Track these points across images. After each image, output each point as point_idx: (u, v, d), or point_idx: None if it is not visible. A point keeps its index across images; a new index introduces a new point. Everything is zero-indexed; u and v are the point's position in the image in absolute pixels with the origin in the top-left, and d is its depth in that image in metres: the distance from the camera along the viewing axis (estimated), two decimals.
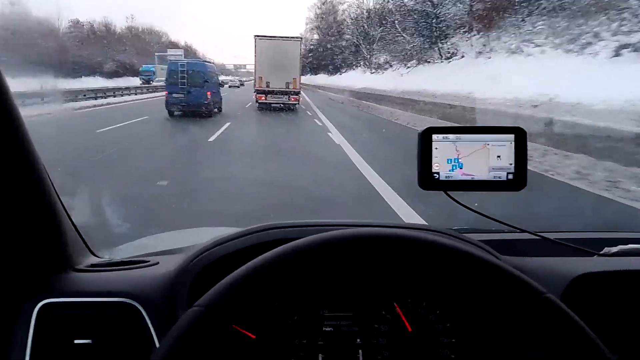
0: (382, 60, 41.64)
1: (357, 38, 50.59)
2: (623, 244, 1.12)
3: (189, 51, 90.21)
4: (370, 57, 45.95)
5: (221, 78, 23.57)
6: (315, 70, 79.23)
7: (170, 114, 16.34)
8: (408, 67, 32.01)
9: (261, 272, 0.68)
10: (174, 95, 16.25)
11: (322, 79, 66.14)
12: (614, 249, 1.11)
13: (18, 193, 0.85)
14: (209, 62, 20.81)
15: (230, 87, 39.60)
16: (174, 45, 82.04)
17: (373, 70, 43.15)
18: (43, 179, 0.90)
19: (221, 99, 19.16)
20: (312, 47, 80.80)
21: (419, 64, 30.40)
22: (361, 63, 49.85)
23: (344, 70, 57.91)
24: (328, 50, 68.33)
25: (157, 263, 1.05)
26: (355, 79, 43.26)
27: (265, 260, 0.69)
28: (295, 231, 0.99)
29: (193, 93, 16.26)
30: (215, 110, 18.18)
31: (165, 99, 16.69)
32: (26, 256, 0.91)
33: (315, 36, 78.60)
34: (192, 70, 16.83)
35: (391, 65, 37.37)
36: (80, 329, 0.91)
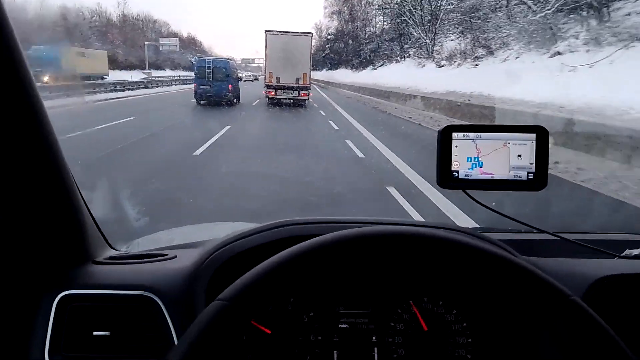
0: (451, 47, 29.13)
1: (408, 18, 36.95)
2: None
3: (192, 43, 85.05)
4: (431, 44, 32.36)
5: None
6: (334, 65, 70.29)
7: (198, 102, 19.91)
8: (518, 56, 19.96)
9: (283, 268, 0.67)
10: (202, 87, 19.70)
11: (343, 75, 56.05)
12: (635, 251, 1.10)
13: (40, 186, 0.86)
14: (230, 60, 23.92)
15: (244, 81, 38.59)
16: (175, 37, 77.93)
17: (443, 62, 28.81)
18: (65, 173, 0.90)
19: (239, 91, 22.33)
20: (329, 37, 72.27)
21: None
22: (411, 53, 37.19)
23: (379, 64, 46.33)
24: (352, 41, 59.20)
25: (175, 257, 1.06)
26: (408, 75, 29.62)
27: (288, 256, 0.69)
28: (315, 228, 0.99)
29: (217, 86, 19.75)
30: (235, 100, 21.41)
31: (194, 90, 20.15)
32: (46, 249, 0.92)
33: (335, 23, 69.25)
34: (217, 66, 20.31)
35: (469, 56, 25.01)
36: (99, 320, 0.92)
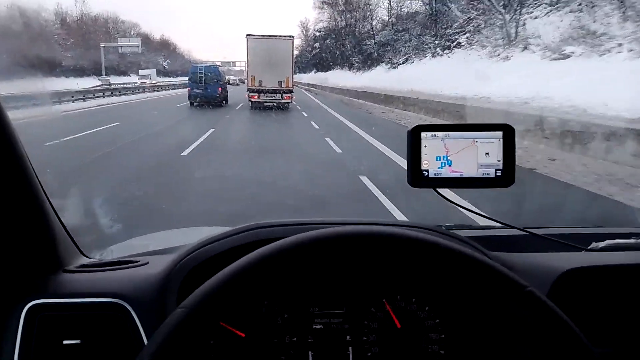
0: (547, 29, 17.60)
1: None
2: (610, 239, 1.13)
3: (164, 46, 77.87)
4: (514, 23, 20.01)
5: None
6: (325, 66, 59.05)
7: (191, 103, 22.83)
8: None
9: (245, 273, 0.68)
10: (195, 90, 22.93)
11: (339, 77, 45.73)
12: (602, 244, 1.13)
13: (6, 194, 0.85)
14: (220, 66, 28.00)
15: (230, 84, 36.96)
16: (147, 40, 69.06)
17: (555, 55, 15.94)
18: (32, 180, 0.90)
19: (227, 93, 25.22)
20: (319, 33, 62.21)
21: None
22: (463, 40, 25.38)
23: (399, 60, 34.16)
24: (349, 36, 49.54)
25: (147, 263, 1.05)
26: (463, 74, 19.35)
27: (248, 261, 0.69)
28: (283, 230, 0.99)
29: (208, 88, 22.92)
30: (223, 102, 24.22)
31: (188, 92, 23.38)
32: (15, 257, 0.91)
33: (326, 16, 58.56)
34: (208, 72, 23.45)
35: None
36: (69, 329, 0.91)
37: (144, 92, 34.09)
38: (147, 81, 44.38)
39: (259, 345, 0.98)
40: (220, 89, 23.37)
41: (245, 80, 24.57)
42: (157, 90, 37.59)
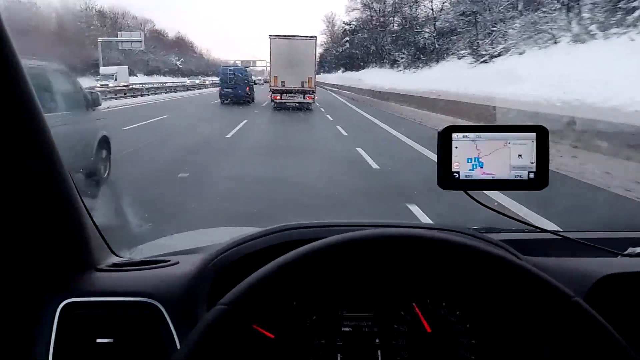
0: None
1: None
2: None
3: (179, 45, 71.44)
4: None
5: None
6: (355, 65, 51.25)
7: (222, 101, 25.49)
8: None
9: (284, 272, 0.68)
10: (225, 89, 25.44)
11: (377, 77, 36.24)
12: (638, 249, 1.09)
13: (41, 194, 0.87)
14: (247, 68, 30.16)
15: (256, 84, 37.80)
16: (160, 37, 65.28)
17: None
18: (65, 180, 0.91)
19: (254, 92, 27.15)
20: (350, 26, 53.92)
21: None
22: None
23: (493, 52, 23.13)
24: (390, 25, 42.04)
25: (177, 263, 1.06)
26: None
27: (288, 260, 0.69)
28: (315, 231, 0.99)
29: (238, 88, 25.31)
30: (250, 100, 26.25)
31: (219, 92, 25.84)
32: (48, 256, 0.92)
33: (359, 4, 51.11)
34: (237, 73, 25.76)
35: None
36: (102, 328, 0.92)
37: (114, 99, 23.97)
38: (111, 83, 31.87)
39: (287, 347, 0.97)
40: (248, 88, 25.79)
41: (268, 80, 24.80)
42: (132, 96, 27.74)
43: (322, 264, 0.70)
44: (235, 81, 25.33)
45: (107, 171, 6.89)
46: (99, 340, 0.91)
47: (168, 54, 64.16)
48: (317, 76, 23.27)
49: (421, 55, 33.71)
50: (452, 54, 29.24)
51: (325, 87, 51.80)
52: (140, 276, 1.01)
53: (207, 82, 51.92)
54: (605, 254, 1.10)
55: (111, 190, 6.19)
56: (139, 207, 4.99)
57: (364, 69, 47.63)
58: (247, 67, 30.94)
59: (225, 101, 25.30)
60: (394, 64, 39.04)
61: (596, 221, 4.81)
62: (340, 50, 60.06)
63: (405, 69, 35.79)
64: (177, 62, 66.15)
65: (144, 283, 0.97)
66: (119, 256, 1.14)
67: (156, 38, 63.63)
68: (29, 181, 0.84)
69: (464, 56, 27.18)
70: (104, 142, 6.90)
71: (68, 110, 6.07)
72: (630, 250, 1.10)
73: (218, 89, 26.35)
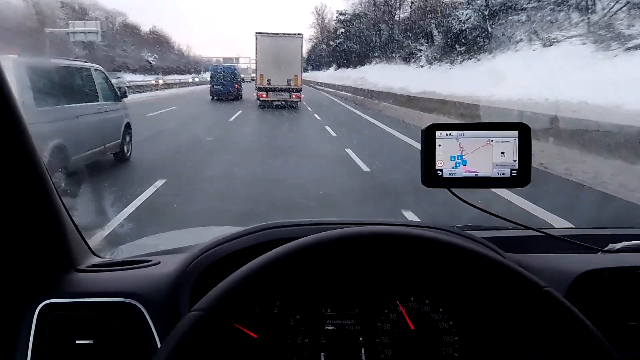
0: None
1: None
2: (627, 240, 1.11)
3: (154, 40, 64.47)
4: None
5: None
6: (349, 62, 44.69)
7: (212, 98, 27.11)
8: None
9: (259, 274, 0.68)
10: (215, 87, 27.28)
11: (390, 75, 29.06)
12: (618, 245, 1.11)
13: (19, 194, 0.85)
14: (235, 66, 32.49)
15: (243, 81, 37.96)
16: (134, 32, 58.95)
17: None
18: (44, 180, 0.90)
19: (242, 89, 28.83)
20: (344, 17, 47.82)
21: None
22: None
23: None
24: (398, 10, 34.19)
25: (159, 263, 1.05)
26: None
27: (262, 262, 0.68)
28: (296, 230, 0.99)
29: (226, 85, 27.23)
30: (239, 97, 28.04)
31: (210, 89, 27.74)
32: (27, 257, 0.91)
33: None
34: (226, 71, 27.95)
35: None
36: (81, 329, 0.91)
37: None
38: None
39: (271, 346, 0.97)
40: (236, 85, 27.84)
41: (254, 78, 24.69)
42: None
43: (299, 264, 0.70)
44: (224, 79, 27.30)
45: (129, 152, 8.58)
46: (78, 342, 0.90)
47: (140, 49, 58.04)
48: (305, 74, 23.28)
49: (456, 45, 24.66)
50: (519, 39, 19.19)
51: (317, 86, 47.69)
52: (121, 276, 1.00)
53: (190, 80, 49.09)
54: (587, 250, 1.11)
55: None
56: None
57: (363, 65, 39.84)
58: (233, 66, 32.68)
59: (215, 98, 27.02)
60: (409, 58, 30.62)
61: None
62: (334, 45, 52.05)
63: (429, 64, 27.49)
64: (150, 59, 58.57)
65: (124, 283, 0.96)
66: (99, 257, 1.13)
67: (129, 33, 58.47)
68: (5, 181, 0.82)
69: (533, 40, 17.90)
70: (128, 128, 8.52)
71: (104, 101, 7.85)
72: (610, 246, 1.12)
73: (203, 87, 28.37)
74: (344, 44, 46.79)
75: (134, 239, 1.63)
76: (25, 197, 0.86)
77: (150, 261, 1.06)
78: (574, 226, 1.35)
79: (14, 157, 0.82)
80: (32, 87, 5.66)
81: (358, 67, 40.82)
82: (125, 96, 9.10)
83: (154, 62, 58.15)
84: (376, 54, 38.26)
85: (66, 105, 6.71)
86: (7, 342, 0.88)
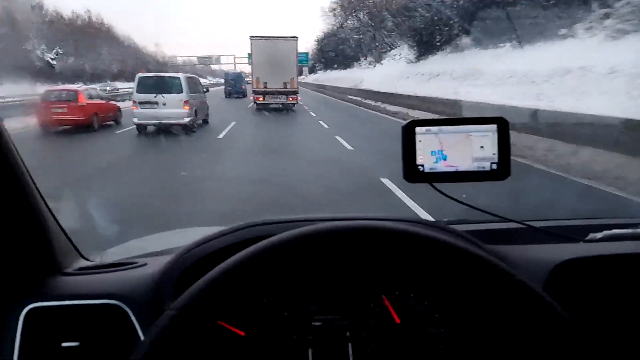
0: None
1: None
2: (608, 230, 1.12)
3: (98, 33, 50.12)
4: None
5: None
6: (344, 62, 45.46)
7: (226, 96, 35.23)
8: None
9: (234, 272, 0.68)
10: (228, 88, 36.11)
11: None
12: (599, 235, 1.12)
13: (2, 198, 0.86)
14: (242, 72, 42.28)
15: (248, 84, 41.81)
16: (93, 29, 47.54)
17: None
18: (26, 183, 0.90)
19: (247, 90, 34.82)
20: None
21: None
22: None
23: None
24: None
25: (145, 264, 1.06)
26: None
27: (238, 260, 0.69)
28: (278, 227, 0.99)
29: (236, 87, 36.05)
30: (245, 95, 35.10)
31: (224, 89, 36.58)
32: (13, 261, 0.92)
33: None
34: (237, 77, 37.81)
35: None
36: (67, 332, 0.92)
37: None
38: None
39: (259, 344, 0.98)
40: (243, 87, 36.28)
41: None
42: None
43: (281, 259, 0.71)
44: (235, 82, 36.59)
45: (208, 122, 16.76)
46: (64, 344, 0.91)
47: (40, 43, 38.17)
48: (312, 76, 24.03)
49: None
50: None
51: (331, 94, 41.69)
52: (106, 279, 1.01)
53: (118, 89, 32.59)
54: (568, 240, 1.12)
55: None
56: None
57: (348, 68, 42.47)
58: (241, 72, 43.25)
59: (229, 96, 35.57)
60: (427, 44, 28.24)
61: None
62: (329, 40, 50.90)
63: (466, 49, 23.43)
64: (49, 56, 38.06)
65: (109, 285, 0.97)
66: (88, 260, 1.13)
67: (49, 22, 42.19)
68: None
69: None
70: (208, 107, 17.27)
71: (201, 93, 16.70)
72: (591, 236, 1.13)
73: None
74: (337, 47, 48.93)
75: (123, 241, 1.64)
76: (8, 200, 0.87)
77: (137, 263, 1.07)
78: (556, 218, 1.36)
79: None
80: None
81: (372, 66, 41.53)
82: (208, 91, 18.17)
83: (53, 61, 38.42)
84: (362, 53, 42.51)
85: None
86: None
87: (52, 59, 38.07)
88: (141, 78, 14.59)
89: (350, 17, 49.56)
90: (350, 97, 32.97)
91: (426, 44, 28.82)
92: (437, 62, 26.63)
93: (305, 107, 24.71)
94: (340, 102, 32.43)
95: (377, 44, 42.40)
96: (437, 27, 26.89)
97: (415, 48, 31.02)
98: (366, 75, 37.54)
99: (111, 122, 15.97)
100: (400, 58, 35.02)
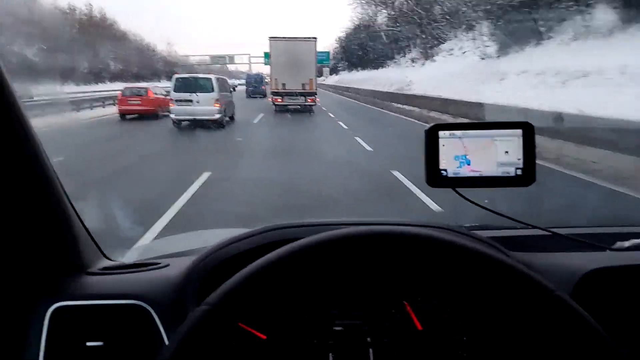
0: None
1: None
2: (635, 238, 1.10)
3: (107, 32, 48.16)
4: None
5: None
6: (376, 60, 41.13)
7: (248, 96, 37.74)
8: None
9: (264, 272, 0.69)
10: (249, 88, 39.11)
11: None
12: (627, 243, 1.09)
13: (28, 197, 0.87)
14: (262, 73, 44.27)
15: (267, 84, 42.90)
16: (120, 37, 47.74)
17: None
18: (53, 184, 0.92)
19: (266, 90, 35.88)
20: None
21: None
22: None
23: None
24: None
25: (168, 265, 1.07)
26: None
27: (268, 260, 0.70)
28: (303, 231, 0.99)
29: (257, 87, 38.68)
30: (265, 95, 35.32)
31: (246, 89, 39.51)
32: (38, 260, 0.93)
33: None
34: (257, 77, 40.55)
35: None
36: (91, 331, 0.93)
37: None
38: None
39: (280, 348, 0.98)
40: (263, 87, 37.79)
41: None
42: None
43: (304, 263, 0.71)
44: (255, 83, 39.46)
45: (234, 119, 18.46)
46: (89, 344, 0.92)
47: (27, 41, 28.15)
48: (334, 77, 24.58)
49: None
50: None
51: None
52: (130, 279, 1.02)
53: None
54: (594, 248, 1.10)
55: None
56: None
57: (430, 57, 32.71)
58: (261, 74, 45.42)
59: (250, 96, 38.24)
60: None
61: None
62: (359, 37, 45.13)
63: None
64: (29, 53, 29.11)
65: (133, 286, 0.98)
66: (111, 259, 1.15)
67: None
68: (15, 185, 0.84)
69: None
70: (234, 106, 18.87)
71: (229, 92, 18.68)
72: (618, 244, 1.10)
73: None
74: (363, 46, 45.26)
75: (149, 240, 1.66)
76: (34, 200, 0.89)
77: (160, 264, 1.08)
78: (581, 225, 1.33)
79: (21, 160, 0.84)
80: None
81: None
82: (234, 90, 20.08)
83: (35, 58, 29.56)
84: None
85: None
86: (18, 345, 0.91)
87: (32, 55, 29.93)
88: (178, 79, 16.67)
89: (386, 6, 43.16)
90: (396, 105, 24.41)
91: (513, 34, 19.66)
92: (539, 56, 18.43)
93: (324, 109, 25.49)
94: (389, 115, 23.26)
95: (425, 36, 34.44)
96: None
97: (495, 37, 22.50)
98: (413, 76, 29.84)
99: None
100: (465, 53, 28.13)
